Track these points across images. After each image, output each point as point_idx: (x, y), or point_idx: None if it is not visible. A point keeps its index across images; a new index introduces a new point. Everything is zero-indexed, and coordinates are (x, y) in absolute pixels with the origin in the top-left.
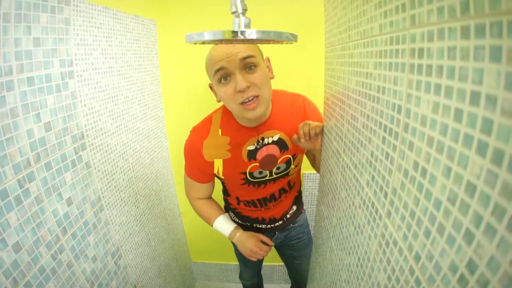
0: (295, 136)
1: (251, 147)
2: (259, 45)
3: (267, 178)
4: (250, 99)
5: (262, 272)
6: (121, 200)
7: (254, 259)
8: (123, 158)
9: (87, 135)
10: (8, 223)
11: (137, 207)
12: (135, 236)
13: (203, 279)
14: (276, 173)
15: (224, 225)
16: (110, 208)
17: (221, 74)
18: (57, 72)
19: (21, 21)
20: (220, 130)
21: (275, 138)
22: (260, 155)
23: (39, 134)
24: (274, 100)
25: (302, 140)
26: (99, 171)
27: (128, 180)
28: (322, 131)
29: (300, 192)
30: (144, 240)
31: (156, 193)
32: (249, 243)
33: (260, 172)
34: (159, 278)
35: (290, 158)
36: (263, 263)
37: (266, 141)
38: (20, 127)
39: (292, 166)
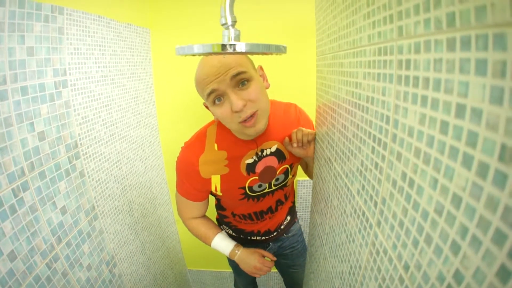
0: (286, 139)
1: (250, 161)
2: (250, 56)
3: (266, 190)
4: (249, 117)
5: (257, 279)
6: (115, 208)
7: (258, 276)
8: (117, 166)
9: (80, 144)
10: (3, 232)
11: (132, 216)
12: (130, 245)
13: (199, 287)
14: (275, 185)
15: (223, 243)
16: (105, 216)
17: (214, 96)
18: (51, 81)
19: (15, 30)
20: (216, 145)
21: (273, 149)
22: (259, 168)
23: (33, 144)
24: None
25: (295, 145)
26: (93, 180)
27: (122, 188)
28: (314, 139)
29: (294, 203)
30: (138, 248)
31: (150, 201)
32: (252, 260)
33: (260, 186)
34: (155, 286)
35: (288, 168)
36: None
37: (265, 153)
38: (14, 137)
39: (290, 176)
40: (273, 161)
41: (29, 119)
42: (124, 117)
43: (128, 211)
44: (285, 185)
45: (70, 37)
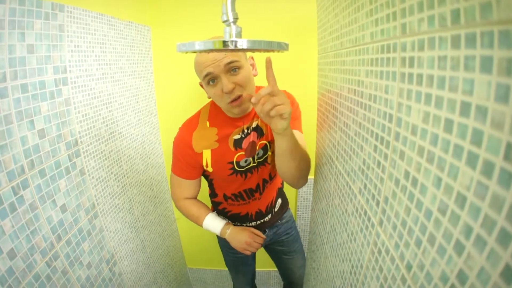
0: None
1: (237, 137)
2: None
3: (251, 165)
4: (236, 98)
5: (257, 277)
6: (116, 206)
7: (248, 253)
8: (117, 164)
9: (81, 141)
10: (3, 230)
11: (132, 214)
12: (130, 243)
13: (199, 285)
14: (257, 160)
15: (215, 222)
16: (105, 215)
17: (209, 78)
18: (51, 79)
19: (15, 27)
20: (208, 122)
21: (254, 125)
22: (245, 143)
23: (33, 141)
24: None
25: (253, 100)
26: (93, 178)
27: (123, 186)
28: (281, 116)
29: (282, 184)
30: (139, 247)
31: (150, 199)
32: (242, 236)
33: (246, 161)
34: (155, 285)
35: (266, 144)
36: (258, 269)
37: (249, 129)
38: (14, 134)
39: (269, 153)
40: (254, 136)
41: (29, 117)
42: (125, 115)
43: (129, 209)
44: (265, 160)
45: (71, 34)
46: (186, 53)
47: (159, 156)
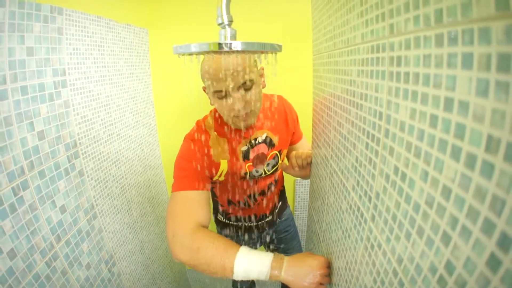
0: (284, 165)
1: (244, 148)
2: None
3: (263, 175)
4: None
5: None
6: (114, 207)
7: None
8: (115, 166)
9: (80, 143)
10: (3, 231)
11: (130, 215)
12: (129, 244)
13: (198, 286)
14: (268, 170)
15: (252, 262)
16: (103, 215)
17: (218, 93)
18: (50, 81)
19: (14, 30)
20: (216, 133)
21: (263, 137)
22: (252, 154)
23: (32, 143)
24: None
25: (296, 169)
26: (92, 179)
27: (121, 188)
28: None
29: (284, 187)
30: (137, 248)
31: (149, 200)
32: (308, 275)
33: (257, 171)
34: (153, 286)
35: (277, 154)
36: None
37: (256, 141)
38: (14, 136)
39: (280, 161)
40: (264, 148)
41: (28, 119)
42: (123, 117)
43: (127, 210)
44: (276, 170)
45: (69, 37)
46: (183, 55)
47: (157, 158)
